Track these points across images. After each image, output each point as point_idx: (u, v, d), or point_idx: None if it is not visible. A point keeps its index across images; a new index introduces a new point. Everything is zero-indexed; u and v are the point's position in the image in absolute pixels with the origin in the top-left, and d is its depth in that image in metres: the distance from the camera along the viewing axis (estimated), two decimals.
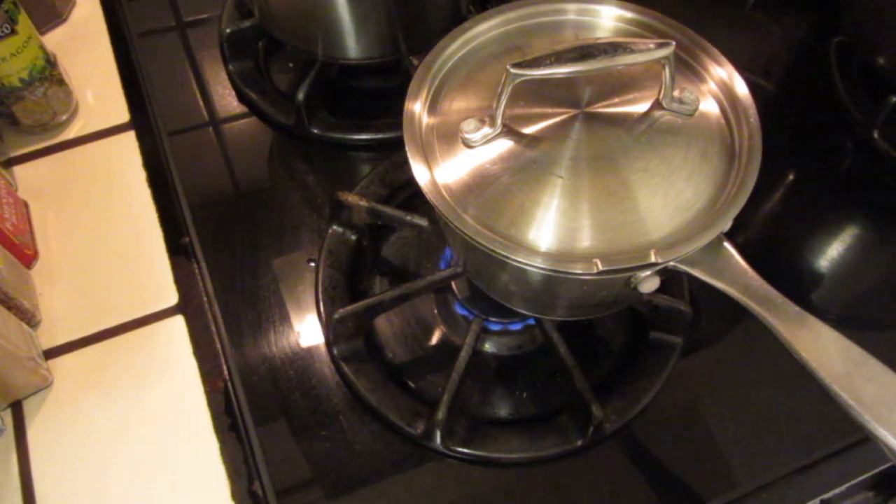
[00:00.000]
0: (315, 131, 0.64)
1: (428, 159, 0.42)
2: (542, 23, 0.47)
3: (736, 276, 0.39)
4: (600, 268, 0.37)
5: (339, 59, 0.63)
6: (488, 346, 0.55)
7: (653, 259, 0.38)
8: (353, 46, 0.62)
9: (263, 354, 0.54)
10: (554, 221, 0.39)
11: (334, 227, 0.58)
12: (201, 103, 0.67)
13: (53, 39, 0.71)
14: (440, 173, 0.41)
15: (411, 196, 0.60)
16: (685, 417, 0.52)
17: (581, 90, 0.43)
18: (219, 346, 0.55)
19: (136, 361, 0.54)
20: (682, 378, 0.53)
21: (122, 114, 0.67)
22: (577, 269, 0.38)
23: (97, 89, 0.68)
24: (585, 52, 0.39)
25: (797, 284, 0.59)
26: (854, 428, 0.35)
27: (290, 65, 0.71)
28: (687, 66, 0.45)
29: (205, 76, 0.69)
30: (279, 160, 0.65)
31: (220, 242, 0.59)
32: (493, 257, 0.39)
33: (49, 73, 0.62)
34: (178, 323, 0.56)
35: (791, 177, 0.66)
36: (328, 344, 0.54)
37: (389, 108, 0.67)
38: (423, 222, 0.55)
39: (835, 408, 0.35)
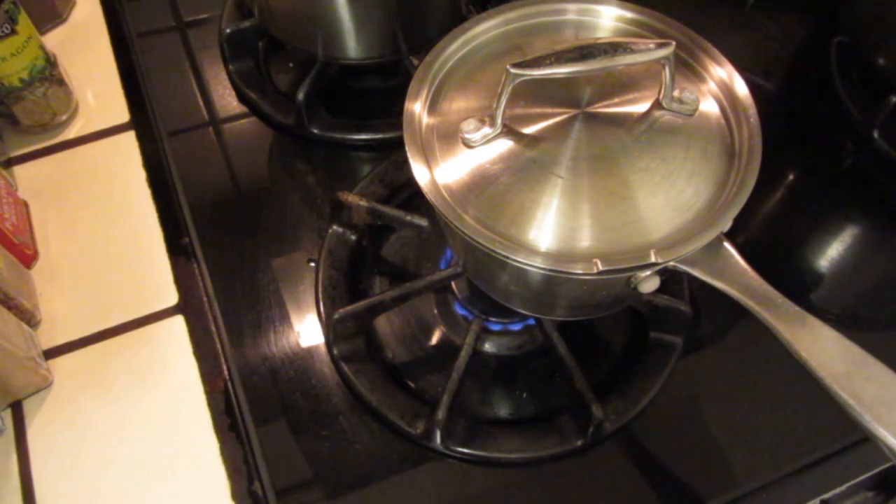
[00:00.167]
0: (315, 131, 0.64)
1: (428, 159, 0.42)
2: (542, 23, 0.47)
3: (736, 276, 0.39)
4: (600, 268, 0.37)
5: (339, 59, 0.63)
6: (488, 346, 0.55)
7: (653, 259, 0.38)
8: (353, 46, 0.62)
9: (263, 354, 0.54)
10: (554, 221, 0.39)
11: (334, 227, 0.58)
12: (201, 103, 0.67)
13: (53, 39, 0.70)
14: (440, 173, 0.41)
15: (411, 196, 0.60)
16: (685, 417, 0.52)
17: (581, 90, 0.43)
18: (219, 346, 0.55)
19: (136, 361, 0.54)
20: (681, 378, 0.53)
21: (122, 114, 0.66)
22: (577, 269, 0.38)
23: (97, 89, 0.68)
24: (585, 52, 0.39)
25: (797, 284, 0.59)
26: (854, 428, 0.35)
27: (290, 65, 0.71)
28: (687, 66, 0.45)
29: (205, 76, 0.69)
30: (279, 160, 0.65)
31: (220, 242, 0.59)
32: (493, 257, 0.39)
33: (49, 73, 0.62)
34: (178, 323, 0.56)
35: (791, 177, 0.66)
36: (328, 344, 0.54)
37: (389, 108, 0.67)
38: (423, 222, 0.55)
39: (835, 408, 0.35)
